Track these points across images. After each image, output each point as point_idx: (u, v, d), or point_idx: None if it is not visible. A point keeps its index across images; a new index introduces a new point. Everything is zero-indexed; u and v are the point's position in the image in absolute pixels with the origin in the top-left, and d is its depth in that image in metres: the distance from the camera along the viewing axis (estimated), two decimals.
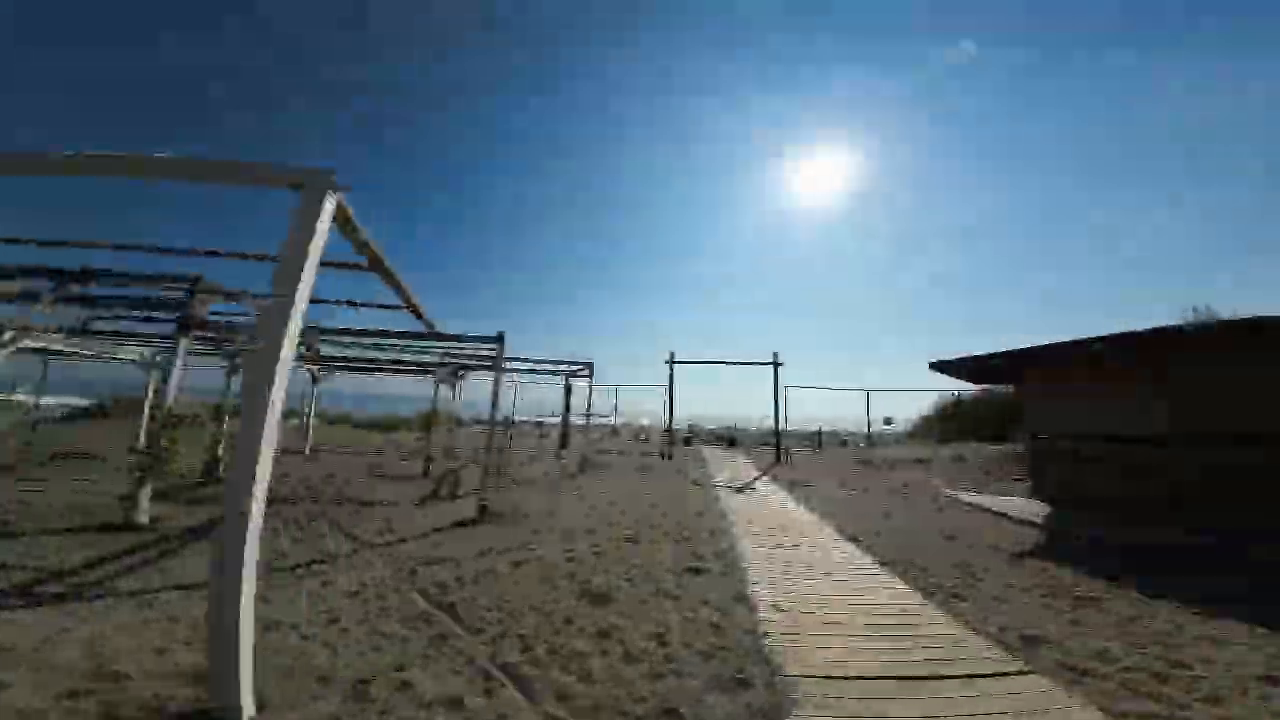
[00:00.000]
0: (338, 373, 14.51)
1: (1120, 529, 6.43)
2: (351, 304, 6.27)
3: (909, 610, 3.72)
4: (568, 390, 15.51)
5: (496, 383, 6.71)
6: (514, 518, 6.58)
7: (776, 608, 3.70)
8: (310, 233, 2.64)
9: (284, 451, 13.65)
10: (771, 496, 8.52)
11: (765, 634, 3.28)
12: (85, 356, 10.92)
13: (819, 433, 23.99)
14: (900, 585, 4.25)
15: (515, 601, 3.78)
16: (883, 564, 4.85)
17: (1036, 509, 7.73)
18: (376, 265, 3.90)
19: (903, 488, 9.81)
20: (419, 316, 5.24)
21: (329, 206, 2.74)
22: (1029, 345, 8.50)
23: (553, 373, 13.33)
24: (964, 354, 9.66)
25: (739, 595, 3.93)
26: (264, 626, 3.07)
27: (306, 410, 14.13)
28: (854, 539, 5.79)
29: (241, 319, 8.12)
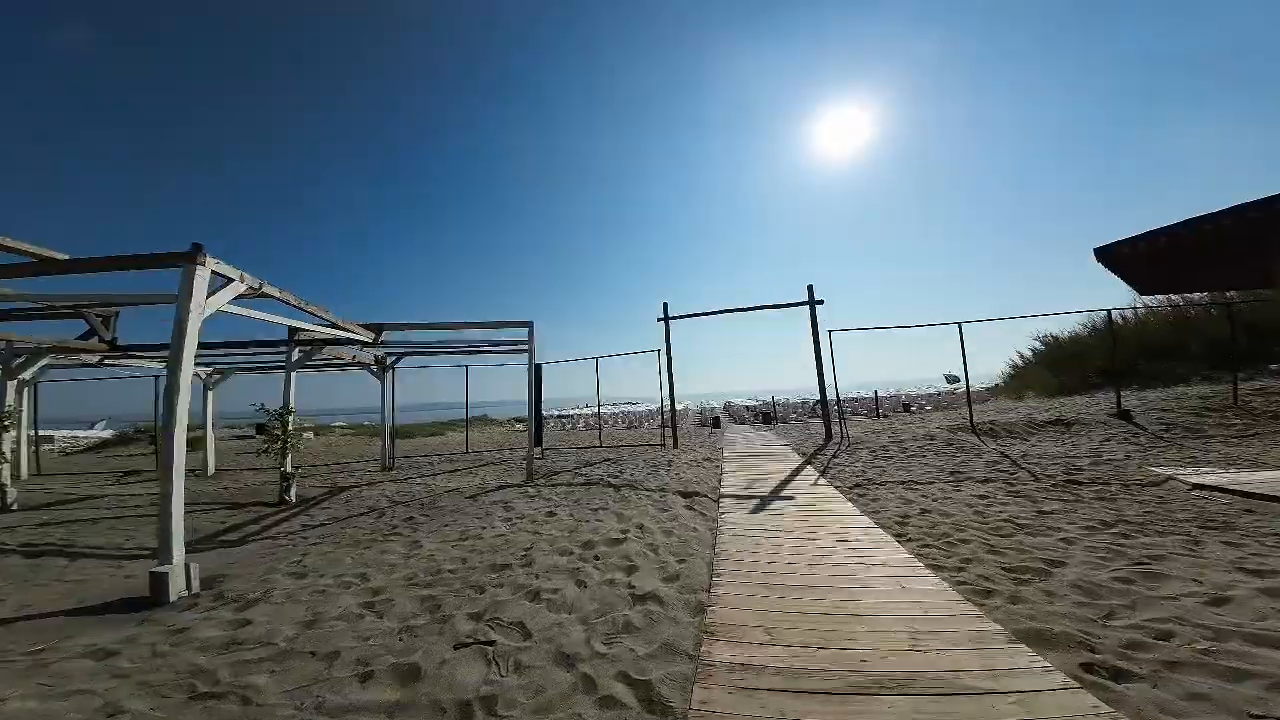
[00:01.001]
0: (232, 374, 11.19)
1: None
2: None
3: None
4: (536, 374, 11.73)
5: (179, 343, 2.92)
6: (223, 597, 2.82)
7: None
8: None
9: (192, 473, 10.44)
10: (824, 523, 4.39)
11: None
12: None
13: (875, 396, 19.52)
14: None
15: None
16: None
17: None
18: None
19: (1069, 475, 5.46)
20: None
21: None
22: None
23: (468, 346, 9.58)
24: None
25: None
26: None
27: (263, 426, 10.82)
28: None
29: None
